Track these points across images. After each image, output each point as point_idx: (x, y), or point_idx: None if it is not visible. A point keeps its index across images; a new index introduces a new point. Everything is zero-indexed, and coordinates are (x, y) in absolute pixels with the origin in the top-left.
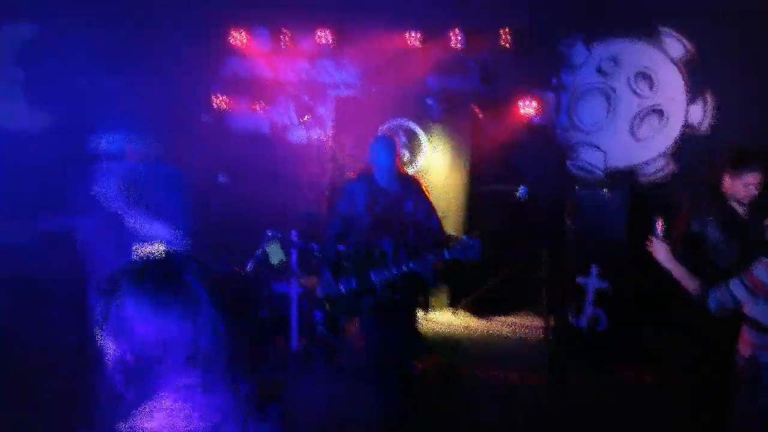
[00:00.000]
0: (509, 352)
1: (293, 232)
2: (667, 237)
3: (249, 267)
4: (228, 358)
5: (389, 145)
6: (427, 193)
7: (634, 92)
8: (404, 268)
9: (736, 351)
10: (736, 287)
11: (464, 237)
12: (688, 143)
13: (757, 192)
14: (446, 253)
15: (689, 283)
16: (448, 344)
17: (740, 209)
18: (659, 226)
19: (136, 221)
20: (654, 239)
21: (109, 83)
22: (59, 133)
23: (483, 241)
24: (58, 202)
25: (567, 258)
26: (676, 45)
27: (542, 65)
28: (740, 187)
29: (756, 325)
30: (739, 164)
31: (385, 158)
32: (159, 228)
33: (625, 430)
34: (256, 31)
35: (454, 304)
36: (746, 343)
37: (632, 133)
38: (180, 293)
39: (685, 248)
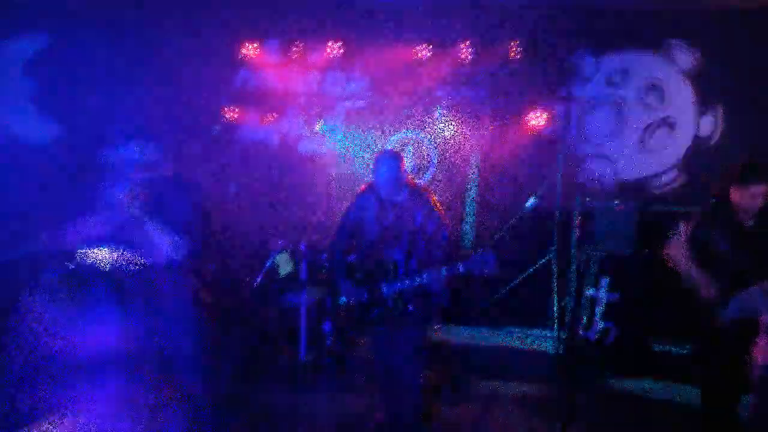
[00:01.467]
0: (519, 363)
1: (302, 243)
2: (678, 246)
3: (258, 277)
4: (153, 365)
5: (392, 160)
6: (437, 205)
7: (644, 104)
8: (417, 281)
9: (752, 360)
10: (756, 296)
11: (479, 251)
12: (698, 155)
13: (763, 203)
14: (461, 267)
15: (708, 289)
16: (458, 355)
17: (747, 220)
18: (681, 230)
19: (147, 230)
20: (675, 244)
21: (119, 95)
22: (69, 145)
23: (496, 254)
24: (67, 212)
25: (576, 269)
26: (685, 57)
27: (552, 77)
28: (747, 197)
29: None
30: (746, 175)
31: (388, 174)
32: (168, 238)
33: None
34: (268, 43)
35: (463, 315)
36: (763, 352)
37: (642, 144)
38: (94, 301)
39: (692, 258)
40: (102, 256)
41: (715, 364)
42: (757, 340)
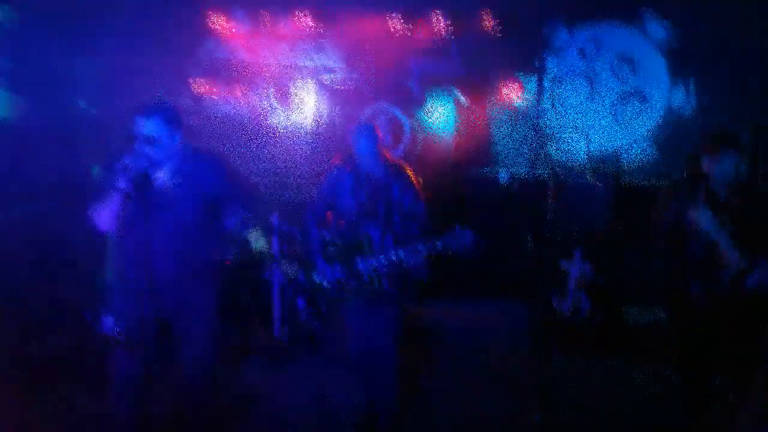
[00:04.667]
0: (494, 338)
1: (274, 219)
2: (649, 219)
3: (230, 253)
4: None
5: (370, 132)
6: (413, 179)
7: (617, 76)
8: (393, 256)
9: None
10: None
11: (456, 227)
12: (670, 127)
13: (736, 173)
14: (438, 244)
15: (732, 255)
16: (433, 331)
17: (720, 191)
18: (702, 194)
19: None
20: (698, 207)
21: (84, 68)
22: (36, 120)
23: (474, 230)
24: (36, 189)
25: (550, 242)
26: (658, 28)
27: (524, 48)
28: (719, 168)
29: None
30: (717, 146)
31: (366, 146)
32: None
33: (609, 415)
34: (235, 13)
35: (438, 290)
36: None
37: (614, 116)
38: None
39: (666, 229)
40: None
41: (690, 338)
42: None
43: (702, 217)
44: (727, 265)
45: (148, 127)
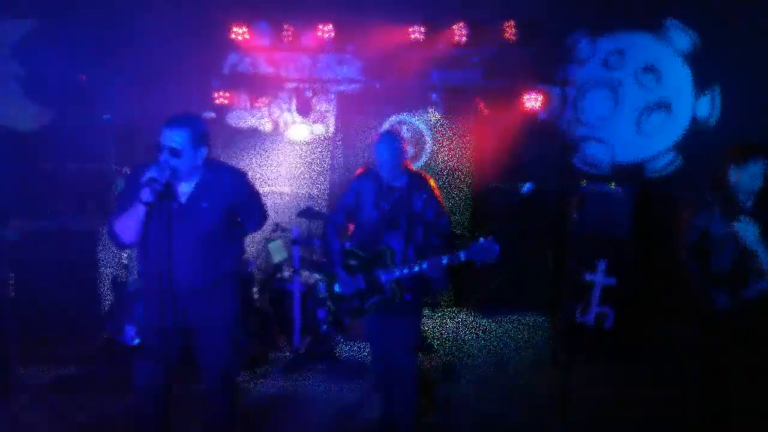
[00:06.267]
0: (515, 349)
1: (294, 229)
2: (675, 230)
3: (251, 264)
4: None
5: (393, 141)
6: (436, 190)
7: (641, 86)
8: (416, 269)
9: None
10: None
11: (481, 239)
12: (695, 137)
13: (762, 183)
14: (462, 256)
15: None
16: (453, 342)
17: (747, 201)
18: (737, 205)
19: None
20: (742, 219)
21: (106, 79)
22: (57, 130)
23: (497, 241)
24: (54, 200)
25: (572, 254)
26: (682, 38)
27: (547, 59)
28: (746, 178)
29: None
30: (744, 156)
31: (389, 155)
32: None
33: (631, 427)
34: (257, 25)
35: (459, 301)
36: None
37: (639, 127)
38: None
39: (692, 240)
40: None
41: (715, 350)
42: None
43: (743, 227)
44: (762, 275)
45: (173, 139)
